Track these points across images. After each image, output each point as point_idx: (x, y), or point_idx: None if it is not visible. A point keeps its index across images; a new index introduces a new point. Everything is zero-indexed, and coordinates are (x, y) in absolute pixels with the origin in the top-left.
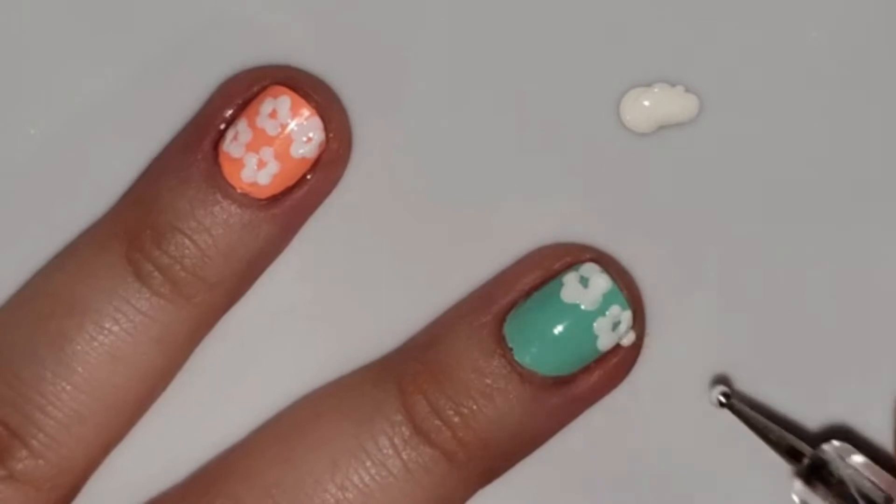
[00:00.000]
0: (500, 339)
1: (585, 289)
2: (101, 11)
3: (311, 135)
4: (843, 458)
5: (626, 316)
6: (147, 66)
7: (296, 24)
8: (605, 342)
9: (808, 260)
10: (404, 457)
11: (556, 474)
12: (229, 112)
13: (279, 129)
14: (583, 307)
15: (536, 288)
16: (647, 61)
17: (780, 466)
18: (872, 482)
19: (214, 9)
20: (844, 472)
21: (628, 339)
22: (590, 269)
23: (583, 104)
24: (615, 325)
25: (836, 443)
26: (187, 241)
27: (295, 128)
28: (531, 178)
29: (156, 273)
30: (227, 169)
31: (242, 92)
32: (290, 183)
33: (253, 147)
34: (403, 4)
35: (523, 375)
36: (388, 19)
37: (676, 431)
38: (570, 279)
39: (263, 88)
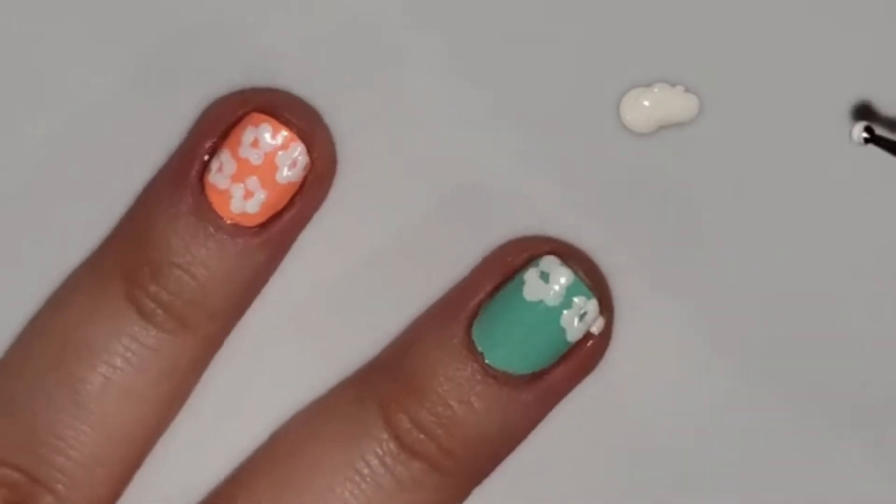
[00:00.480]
0: (470, 346)
1: (547, 284)
2: (92, 21)
3: (295, 159)
4: None
5: (592, 304)
6: (140, 74)
7: (282, 33)
8: (573, 334)
9: (808, 259)
10: (395, 473)
11: (546, 469)
12: (212, 142)
13: (263, 158)
14: (547, 303)
15: (499, 287)
16: (647, 61)
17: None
18: None
19: (202, 20)
20: None
21: (598, 327)
22: (549, 263)
23: (583, 104)
24: (582, 316)
25: None
26: (185, 276)
27: (278, 155)
28: (531, 178)
29: (158, 310)
30: (215, 201)
31: (223, 120)
32: (279, 208)
33: (238, 178)
34: (407, 2)
35: (497, 378)
36: (387, 17)
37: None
38: (531, 276)
39: (244, 115)
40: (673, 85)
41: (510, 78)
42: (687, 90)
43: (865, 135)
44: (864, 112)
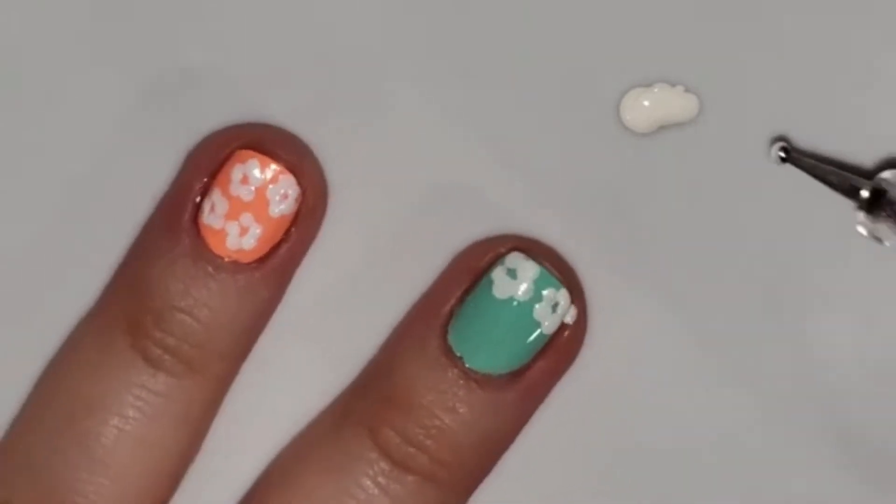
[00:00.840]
0: (448, 352)
1: (515, 280)
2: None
3: (285, 192)
4: None
5: (563, 294)
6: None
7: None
8: (549, 326)
9: (807, 260)
10: (390, 491)
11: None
12: (201, 183)
13: (253, 194)
14: (517, 299)
15: (469, 291)
16: (647, 61)
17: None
18: None
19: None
20: None
21: (571, 316)
22: (514, 260)
23: (583, 104)
24: (555, 307)
25: (892, 171)
26: (188, 319)
27: (269, 189)
28: (531, 178)
29: (166, 356)
30: (211, 241)
31: (210, 160)
32: (275, 241)
33: (232, 216)
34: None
35: (479, 381)
36: (386, 16)
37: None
38: (498, 274)
39: (230, 153)
40: (673, 85)
41: (510, 78)
42: (687, 90)
43: (782, 154)
44: (780, 138)
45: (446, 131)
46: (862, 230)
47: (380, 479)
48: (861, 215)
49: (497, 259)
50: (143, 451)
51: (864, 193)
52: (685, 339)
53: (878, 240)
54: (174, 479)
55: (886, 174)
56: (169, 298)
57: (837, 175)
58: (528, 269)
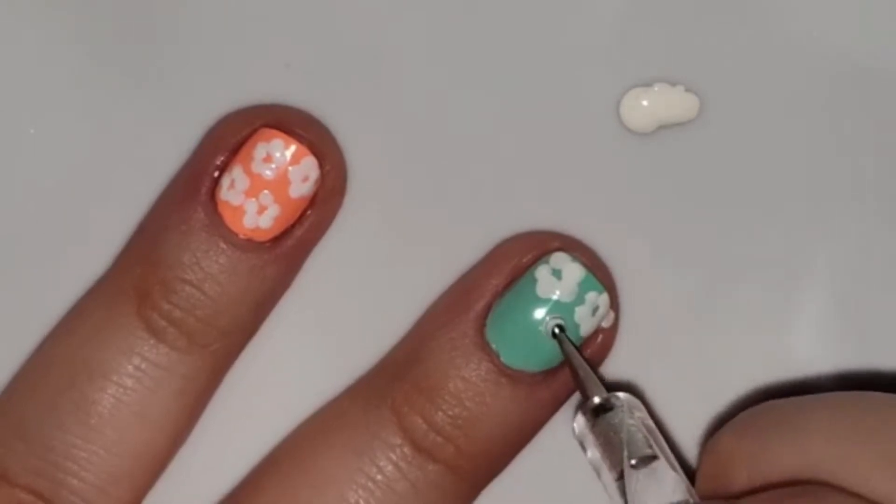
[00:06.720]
0: (484, 346)
1: (560, 281)
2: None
3: (307, 174)
4: (630, 410)
5: (604, 299)
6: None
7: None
8: (586, 329)
9: (809, 259)
10: (410, 477)
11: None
12: (222, 159)
13: (275, 173)
14: (561, 300)
15: (509, 286)
16: (647, 61)
17: None
18: (645, 438)
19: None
20: (624, 421)
21: (608, 321)
22: (560, 260)
23: (583, 104)
24: (595, 310)
25: (631, 396)
26: (197, 292)
27: (291, 169)
28: (531, 178)
29: (170, 328)
30: (228, 217)
31: (232, 137)
32: (291, 222)
33: (252, 193)
34: (394, 2)
35: (513, 377)
36: (385, 22)
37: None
38: (543, 273)
39: (253, 132)
40: (673, 85)
41: (510, 78)
42: (687, 90)
43: (556, 329)
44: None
45: (445, 131)
46: (575, 427)
47: (401, 464)
48: (580, 416)
49: (541, 257)
50: (138, 423)
51: (595, 400)
52: (685, 337)
53: (582, 446)
54: (168, 451)
55: (621, 395)
56: (179, 270)
57: (585, 371)
58: (574, 272)
